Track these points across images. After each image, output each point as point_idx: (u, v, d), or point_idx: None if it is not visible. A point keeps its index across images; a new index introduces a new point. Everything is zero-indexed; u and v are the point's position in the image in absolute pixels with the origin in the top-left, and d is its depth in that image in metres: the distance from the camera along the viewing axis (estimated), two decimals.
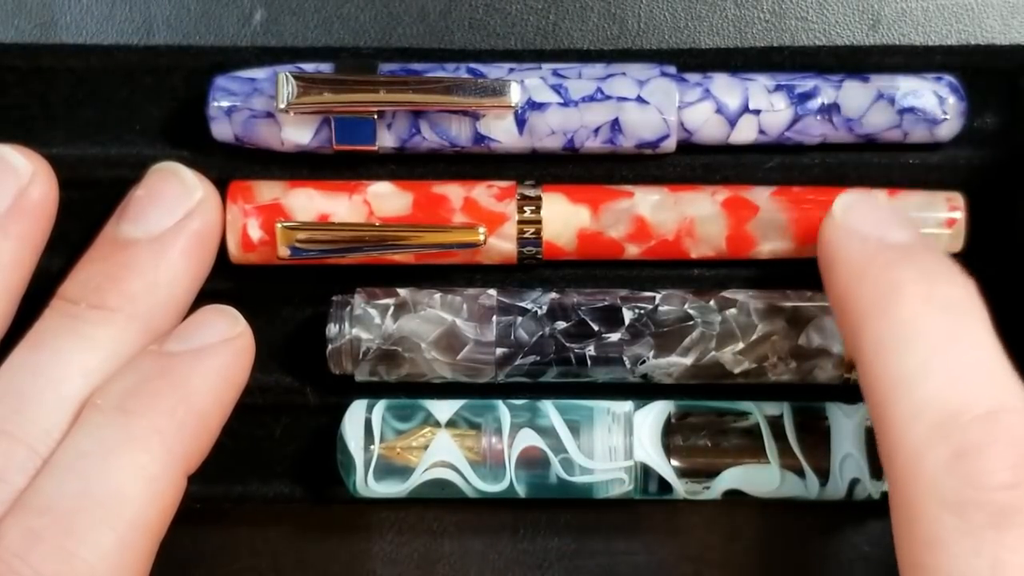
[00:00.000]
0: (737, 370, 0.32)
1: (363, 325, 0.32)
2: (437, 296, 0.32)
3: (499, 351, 0.32)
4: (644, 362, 0.32)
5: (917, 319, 0.27)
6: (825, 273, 0.30)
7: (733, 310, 0.32)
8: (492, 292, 0.32)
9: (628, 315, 0.32)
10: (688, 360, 0.32)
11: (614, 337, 0.32)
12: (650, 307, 0.32)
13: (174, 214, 0.31)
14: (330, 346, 0.32)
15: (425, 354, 0.32)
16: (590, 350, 0.32)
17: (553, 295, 0.32)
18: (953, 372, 0.27)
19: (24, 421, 0.28)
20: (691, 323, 0.32)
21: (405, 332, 0.32)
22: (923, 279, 0.28)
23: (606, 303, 0.32)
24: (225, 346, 0.30)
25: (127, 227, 0.31)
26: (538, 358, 0.32)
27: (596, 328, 0.32)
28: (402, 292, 0.32)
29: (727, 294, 0.32)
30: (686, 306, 0.32)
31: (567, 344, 0.32)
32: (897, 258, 0.29)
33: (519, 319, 0.32)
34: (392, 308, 0.32)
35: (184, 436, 0.28)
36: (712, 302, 0.32)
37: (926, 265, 0.28)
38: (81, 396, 0.29)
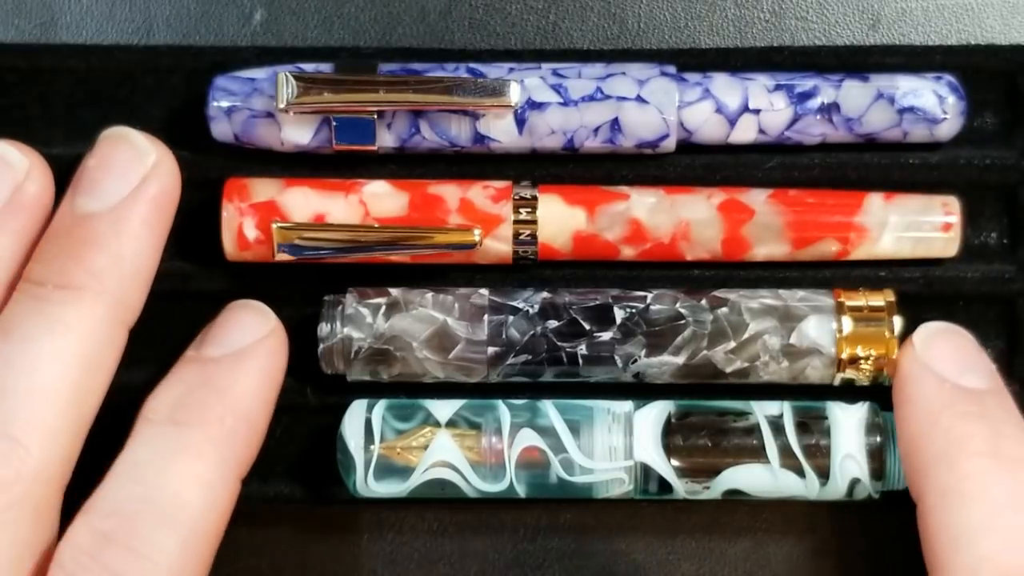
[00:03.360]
0: (729, 369, 0.32)
1: (355, 324, 0.32)
2: (429, 295, 0.32)
3: (491, 350, 0.32)
4: (636, 361, 0.32)
5: (982, 475, 0.28)
6: (898, 408, 0.30)
7: (724, 309, 0.32)
8: (484, 291, 0.32)
9: (620, 314, 0.32)
10: (680, 359, 0.32)
11: (606, 336, 0.32)
12: (641, 306, 0.32)
13: (129, 181, 0.31)
14: (322, 345, 0.32)
15: (417, 353, 0.32)
16: (582, 349, 0.32)
17: (545, 294, 0.32)
18: (1012, 533, 0.27)
19: (3, 412, 0.28)
20: (682, 322, 0.32)
21: (397, 331, 0.32)
22: (992, 435, 0.29)
23: (598, 302, 0.32)
24: (261, 346, 0.31)
25: (83, 200, 0.31)
26: (530, 357, 0.32)
27: (588, 327, 0.32)
28: (394, 292, 0.32)
29: (718, 293, 0.32)
30: (677, 305, 0.32)
31: (559, 343, 0.32)
32: (969, 409, 0.29)
33: (511, 318, 0.32)
34: (384, 307, 0.32)
35: (236, 442, 0.30)
36: (703, 301, 0.32)
37: (996, 418, 0.29)
38: (58, 383, 0.29)
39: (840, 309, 0.32)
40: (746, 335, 0.32)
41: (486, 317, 0.32)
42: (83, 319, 0.29)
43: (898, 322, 0.31)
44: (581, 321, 0.32)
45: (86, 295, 0.30)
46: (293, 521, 0.35)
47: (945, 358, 0.30)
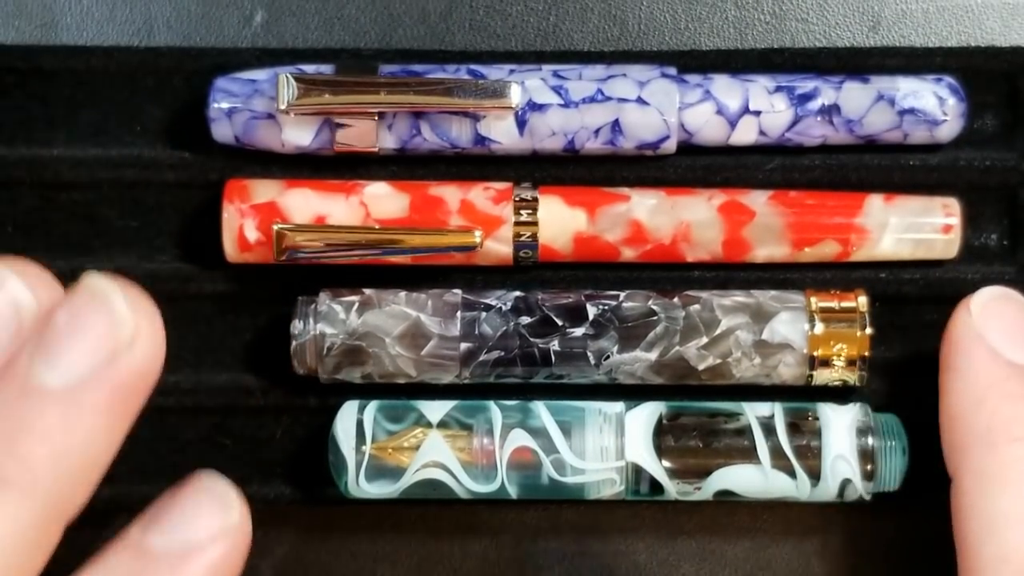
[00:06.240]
0: (701, 366, 0.32)
1: (328, 321, 0.32)
2: (402, 294, 0.32)
3: (463, 346, 0.32)
4: (608, 357, 0.32)
5: (1021, 462, 0.28)
6: (944, 373, 0.30)
7: (696, 306, 0.32)
8: (457, 290, 0.32)
9: (592, 311, 0.32)
10: (652, 355, 0.32)
11: (578, 332, 0.32)
12: (614, 303, 0.32)
13: (95, 358, 0.24)
14: (294, 343, 0.32)
15: (389, 350, 0.32)
16: (554, 345, 0.32)
17: (518, 293, 0.32)
18: None
19: None
20: (655, 318, 0.32)
21: (370, 327, 0.32)
22: None
23: (571, 300, 0.32)
24: (217, 544, 0.25)
25: (40, 364, 0.24)
26: (502, 353, 0.32)
27: (560, 323, 0.32)
28: (367, 291, 0.32)
29: (691, 292, 0.32)
30: (650, 303, 0.32)
31: (531, 339, 0.32)
32: (1018, 390, 0.29)
33: (483, 314, 0.32)
34: (357, 304, 0.32)
35: None
36: (676, 299, 0.32)
37: None
38: None
39: (811, 307, 0.32)
40: (718, 331, 0.32)
41: (459, 313, 0.32)
42: (5, 519, 0.24)
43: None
44: (554, 317, 0.32)
45: (12, 492, 0.24)
46: (293, 521, 0.35)
47: (1001, 329, 0.30)
